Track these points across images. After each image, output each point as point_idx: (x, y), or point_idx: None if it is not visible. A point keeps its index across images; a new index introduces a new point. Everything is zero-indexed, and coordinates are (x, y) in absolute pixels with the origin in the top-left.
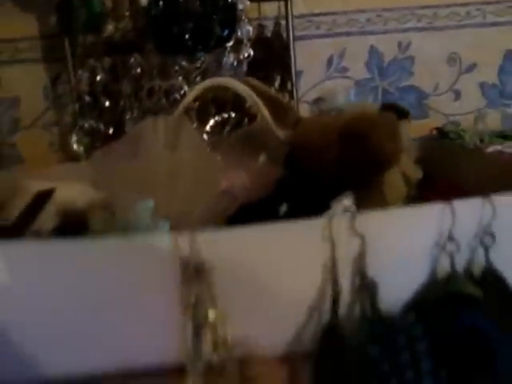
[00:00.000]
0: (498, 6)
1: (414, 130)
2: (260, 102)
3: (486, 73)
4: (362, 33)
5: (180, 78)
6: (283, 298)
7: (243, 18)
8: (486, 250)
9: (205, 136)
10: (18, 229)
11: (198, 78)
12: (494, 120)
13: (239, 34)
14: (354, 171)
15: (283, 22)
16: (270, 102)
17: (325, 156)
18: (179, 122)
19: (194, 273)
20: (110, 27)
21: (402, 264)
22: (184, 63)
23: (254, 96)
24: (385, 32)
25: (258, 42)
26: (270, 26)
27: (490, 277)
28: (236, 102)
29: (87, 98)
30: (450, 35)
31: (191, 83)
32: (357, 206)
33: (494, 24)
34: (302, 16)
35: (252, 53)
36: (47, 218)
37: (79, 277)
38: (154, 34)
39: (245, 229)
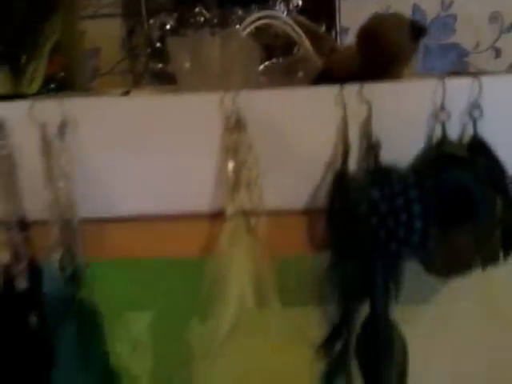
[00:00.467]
0: None
1: None
2: (301, 33)
3: None
4: None
5: (237, 26)
6: (304, 154)
7: None
8: (475, 122)
9: None
10: None
11: None
12: None
13: None
14: (374, 68)
15: None
16: (310, 34)
17: (350, 67)
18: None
19: (235, 125)
20: None
21: (403, 130)
22: (240, 13)
23: (297, 27)
24: None
25: None
26: None
27: (477, 144)
28: (285, 48)
29: (158, 44)
30: None
31: None
32: None
33: None
34: None
35: (300, 3)
36: None
37: (143, 133)
38: None
39: (275, 91)
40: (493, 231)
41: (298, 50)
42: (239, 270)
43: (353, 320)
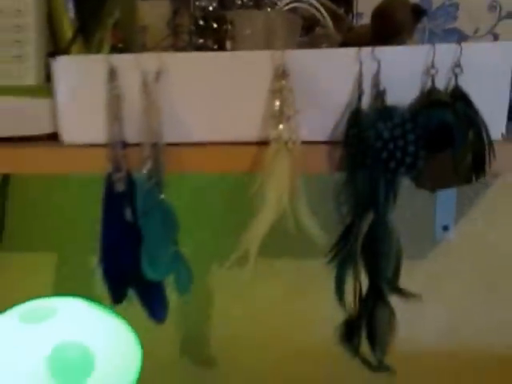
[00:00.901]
0: None
1: None
2: (325, 13)
3: None
4: None
5: (269, 9)
6: (330, 98)
7: None
8: (456, 76)
9: None
10: None
11: None
12: None
13: None
14: (383, 40)
15: None
16: (332, 15)
17: (363, 41)
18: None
19: (281, 74)
20: None
21: (403, 81)
22: None
23: (322, 9)
24: None
25: None
26: None
27: (458, 93)
28: (308, 28)
29: (201, 22)
30: None
31: None
32: None
33: None
34: None
35: None
36: None
37: (215, 80)
38: None
39: (311, 50)
40: (466, 156)
41: (320, 29)
42: (278, 181)
43: (360, 226)
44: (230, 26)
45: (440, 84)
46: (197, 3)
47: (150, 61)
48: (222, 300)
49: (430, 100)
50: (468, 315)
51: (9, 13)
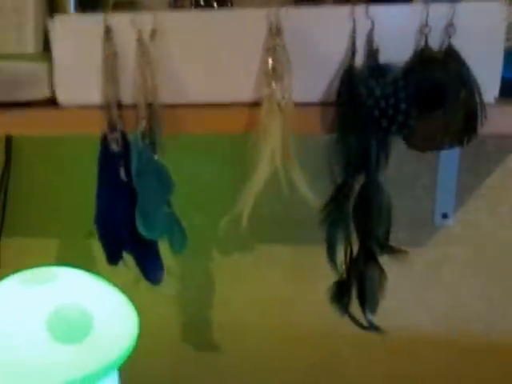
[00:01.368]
0: None
1: None
2: None
3: None
4: None
5: None
6: (323, 56)
7: None
8: (449, 36)
9: None
10: None
11: None
12: None
13: None
14: None
15: None
16: None
17: None
18: None
19: (275, 31)
20: None
21: (397, 39)
22: None
23: None
24: None
25: None
26: None
27: (450, 52)
28: None
29: (201, 2)
30: None
31: None
32: None
33: None
34: None
35: None
36: None
37: (209, 37)
38: None
39: (305, 8)
40: (457, 115)
41: None
42: (271, 139)
43: (352, 186)
44: None
45: (434, 44)
46: None
47: (145, 20)
48: (222, 285)
49: (422, 58)
50: (467, 302)
51: None
